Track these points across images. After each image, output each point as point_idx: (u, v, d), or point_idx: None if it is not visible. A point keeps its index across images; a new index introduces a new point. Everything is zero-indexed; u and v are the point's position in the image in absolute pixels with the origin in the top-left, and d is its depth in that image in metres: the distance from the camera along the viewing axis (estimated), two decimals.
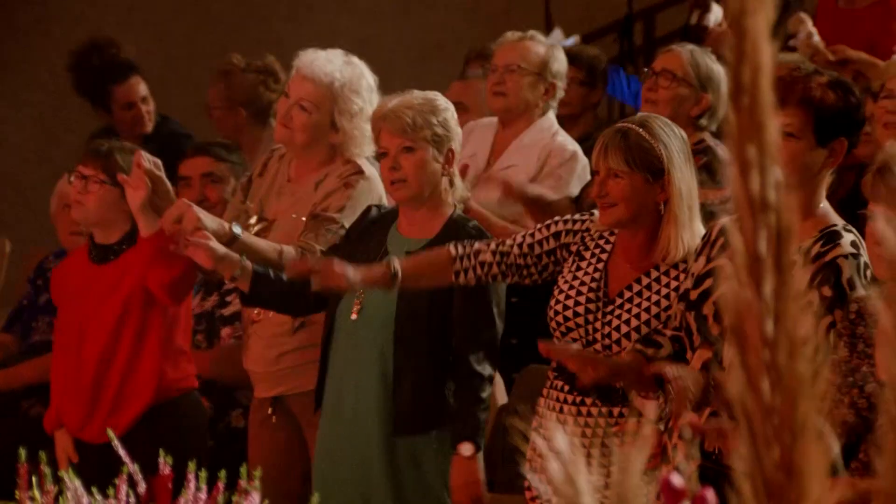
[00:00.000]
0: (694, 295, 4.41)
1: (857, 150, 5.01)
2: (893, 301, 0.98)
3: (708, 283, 4.37)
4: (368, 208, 5.46)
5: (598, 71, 7.57)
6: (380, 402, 5.17)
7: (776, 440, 1.11)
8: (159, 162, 5.47)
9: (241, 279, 5.21)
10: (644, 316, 4.69)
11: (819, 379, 1.11)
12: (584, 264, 4.82)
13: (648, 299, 4.71)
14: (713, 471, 4.17)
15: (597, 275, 4.80)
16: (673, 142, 4.72)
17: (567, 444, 1.22)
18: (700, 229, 4.65)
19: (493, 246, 4.93)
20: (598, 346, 4.68)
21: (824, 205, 4.31)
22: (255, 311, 5.62)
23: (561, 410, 4.71)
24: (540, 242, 4.92)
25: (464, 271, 4.92)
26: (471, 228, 5.20)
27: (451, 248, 4.92)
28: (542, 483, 1.25)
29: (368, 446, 5.18)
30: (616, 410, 4.69)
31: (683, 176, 4.69)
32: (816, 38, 7.30)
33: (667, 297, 4.67)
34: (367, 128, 5.64)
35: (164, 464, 3.17)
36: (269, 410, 5.64)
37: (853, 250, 4.17)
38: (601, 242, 4.85)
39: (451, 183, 5.26)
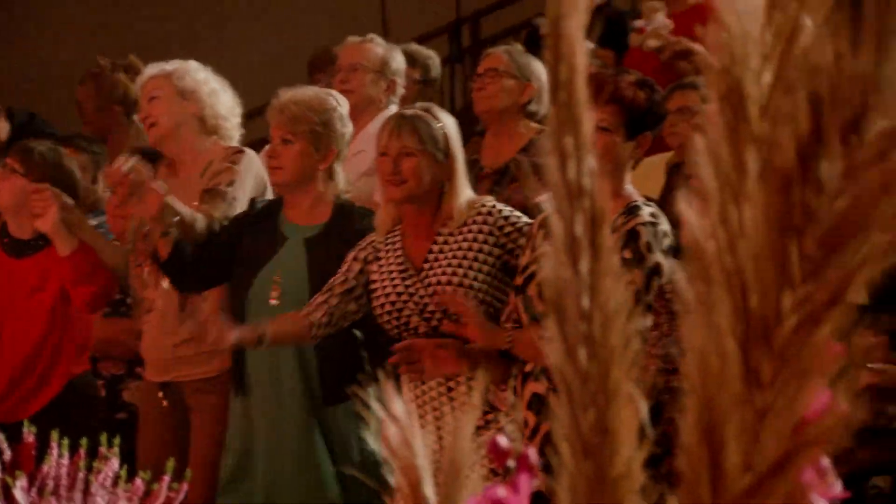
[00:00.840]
0: (520, 280, 4.50)
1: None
2: (695, 278, 1.00)
3: (532, 268, 4.47)
4: (253, 201, 5.49)
5: (431, 70, 7.62)
6: (301, 380, 5.18)
7: (592, 404, 1.12)
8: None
9: (165, 241, 5.20)
10: (449, 270, 4.82)
11: (630, 348, 1.12)
12: (384, 262, 4.90)
13: (450, 254, 4.84)
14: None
15: (399, 260, 4.89)
16: (452, 125, 4.86)
17: (403, 411, 1.23)
18: (471, 196, 4.86)
19: (335, 292, 5.01)
20: (432, 309, 4.78)
21: (629, 186, 4.48)
22: (151, 300, 5.59)
23: (398, 379, 4.76)
24: (349, 272, 5.01)
25: (318, 327, 4.98)
26: (358, 211, 5.24)
27: (308, 317, 4.99)
28: (380, 446, 1.25)
29: (292, 424, 5.18)
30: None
31: (461, 154, 4.86)
32: (669, 29, 7.42)
33: (459, 249, 4.80)
34: (226, 113, 5.66)
35: (28, 433, 3.13)
36: (160, 394, 5.60)
37: (651, 219, 4.36)
38: (389, 238, 4.97)
39: (331, 176, 5.30)
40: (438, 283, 4.81)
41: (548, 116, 1.10)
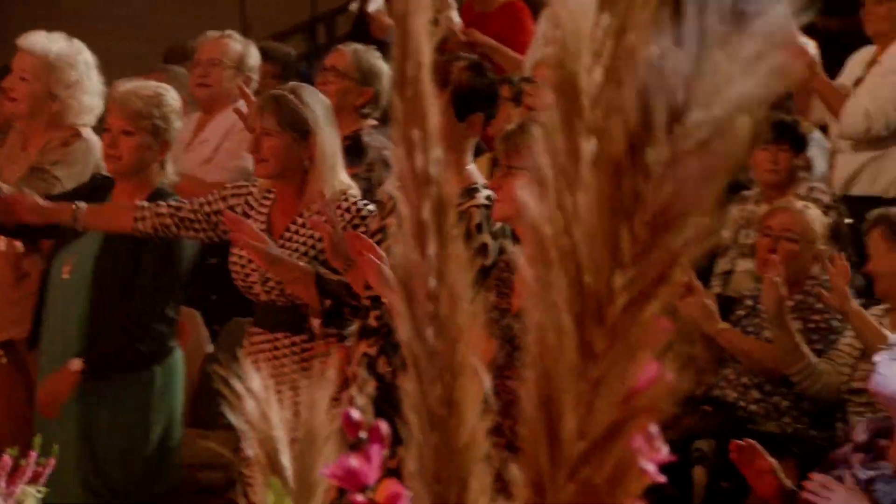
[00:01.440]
0: None
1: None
2: (533, 259, 1.01)
3: (378, 237, 4.48)
4: (94, 175, 5.46)
5: (290, 65, 7.59)
6: (82, 349, 5.13)
7: (439, 379, 1.12)
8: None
9: None
10: (303, 248, 4.81)
11: (474, 326, 1.13)
12: (250, 221, 4.87)
13: (303, 235, 4.83)
14: (384, 390, 4.27)
15: (262, 224, 4.88)
16: (318, 108, 4.82)
17: (261, 385, 1.22)
18: (344, 181, 4.82)
19: (173, 203, 4.99)
20: (273, 283, 4.78)
21: (470, 167, 4.51)
22: None
23: (256, 356, 4.74)
24: (210, 203, 4.98)
25: (142, 219, 4.95)
26: (172, 197, 5.20)
27: (138, 201, 4.99)
28: (239, 419, 1.24)
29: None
30: (300, 338, 4.75)
31: (327, 138, 4.81)
32: (456, 20, 7.52)
33: (313, 235, 4.80)
34: (86, 99, 5.59)
35: None
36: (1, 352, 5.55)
37: (486, 202, 4.39)
38: (263, 200, 4.94)
39: (162, 167, 5.27)
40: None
41: (391, 110, 1.10)
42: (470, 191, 4.39)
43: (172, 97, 5.29)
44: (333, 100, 5.83)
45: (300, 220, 4.82)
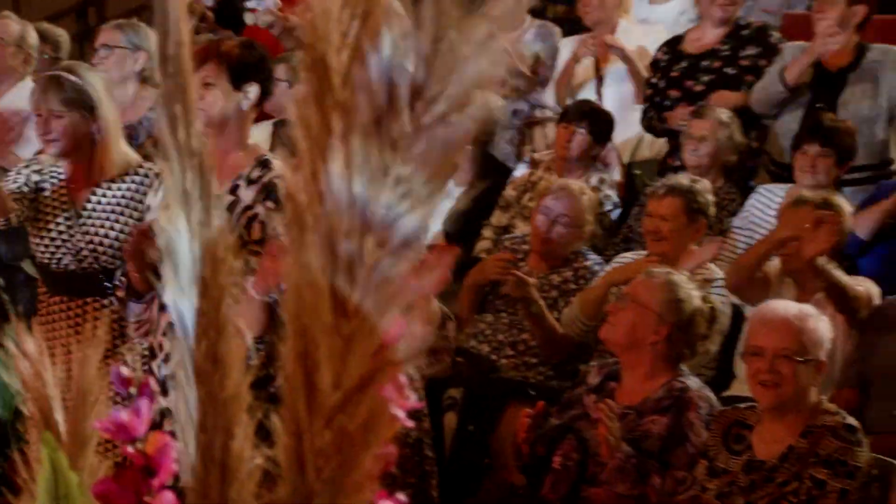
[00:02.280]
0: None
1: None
2: (291, 224, 1.01)
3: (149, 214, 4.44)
4: None
5: (62, 46, 7.41)
6: None
7: (204, 337, 1.11)
8: None
9: None
10: (108, 223, 4.74)
11: (235, 287, 1.12)
12: (47, 202, 4.77)
13: (108, 206, 4.76)
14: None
15: (64, 201, 4.79)
16: (98, 83, 4.75)
17: (34, 346, 1.20)
18: (127, 152, 4.77)
19: None
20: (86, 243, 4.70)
21: (252, 141, 4.51)
22: None
23: (49, 318, 4.66)
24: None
25: None
26: None
27: None
28: (13, 379, 1.21)
29: None
30: (77, 303, 4.67)
31: (109, 111, 4.75)
32: (279, 6, 7.43)
33: (118, 203, 4.74)
34: None
35: None
36: None
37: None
38: (59, 179, 4.86)
39: None
40: (96, 232, 4.71)
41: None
42: (264, 162, 4.34)
43: None
44: (114, 74, 5.77)
45: (99, 192, 4.74)
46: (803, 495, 4.08)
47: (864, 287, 5.08)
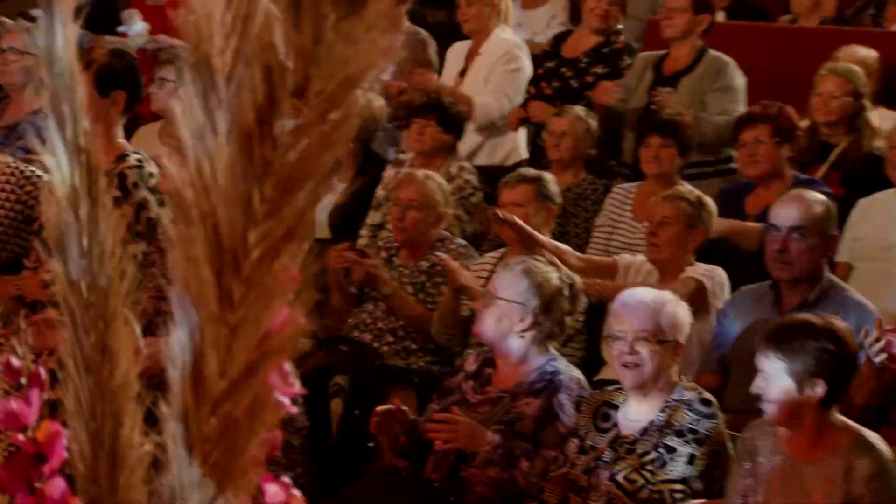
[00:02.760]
0: (36, 226, 4.41)
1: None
2: (176, 219, 0.99)
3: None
4: None
5: None
6: None
7: (93, 328, 1.09)
8: None
9: None
10: (6, 221, 4.67)
11: (125, 278, 1.11)
12: None
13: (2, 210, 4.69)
14: None
15: None
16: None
17: None
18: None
19: None
20: None
21: (120, 140, 4.57)
22: None
23: None
24: None
25: None
26: None
27: None
28: None
29: None
30: None
31: None
32: (148, 30, 7.29)
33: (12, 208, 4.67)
34: None
35: None
36: None
37: (137, 163, 4.46)
38: None
39: None
40: None
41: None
42: (122, 157, 4.43)
43: None
44: (19, 77, 5.71)
45: (3, 195, 4.66)
46: (658, 462, 4.15)
47: (688, 275, 5.11)
